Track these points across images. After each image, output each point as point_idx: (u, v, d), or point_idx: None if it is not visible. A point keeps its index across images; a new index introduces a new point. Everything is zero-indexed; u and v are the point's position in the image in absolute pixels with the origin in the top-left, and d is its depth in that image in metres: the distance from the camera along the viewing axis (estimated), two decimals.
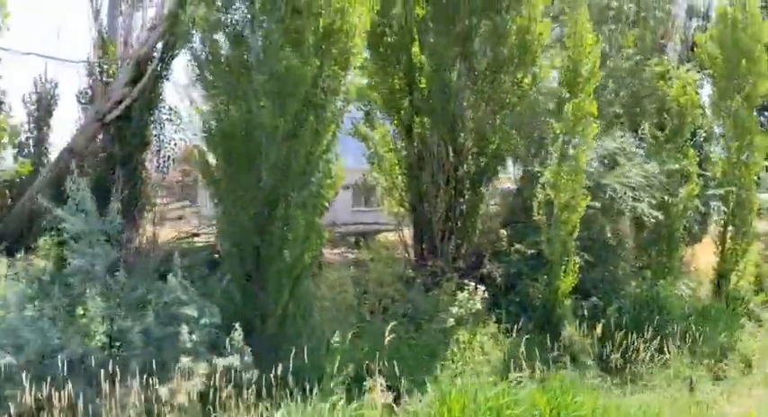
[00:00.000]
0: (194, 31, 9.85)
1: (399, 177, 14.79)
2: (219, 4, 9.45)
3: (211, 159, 10.28)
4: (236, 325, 8.11)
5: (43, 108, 11.63)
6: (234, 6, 9.56)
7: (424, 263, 13.87)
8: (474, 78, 13.84)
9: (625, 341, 11.91)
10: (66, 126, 13.17)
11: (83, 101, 12.13)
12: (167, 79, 11.55)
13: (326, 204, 10.05)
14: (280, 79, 9.23)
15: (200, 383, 7.28)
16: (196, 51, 9.79)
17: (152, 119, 11.65)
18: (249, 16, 9.43)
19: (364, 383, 9.01)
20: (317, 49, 9.39)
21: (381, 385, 9.03)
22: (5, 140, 10.17)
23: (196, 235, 14.20)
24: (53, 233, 11.30)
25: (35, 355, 6.91)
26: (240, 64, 9.54)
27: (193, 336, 7.72)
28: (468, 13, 13.38)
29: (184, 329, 7.62)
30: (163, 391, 7.00)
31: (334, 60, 9.63)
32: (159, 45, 11.30)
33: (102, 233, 8.09)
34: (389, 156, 14.82)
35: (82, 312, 7.65)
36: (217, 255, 12.02)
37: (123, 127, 11.34)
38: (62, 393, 6.62)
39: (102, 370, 6.94)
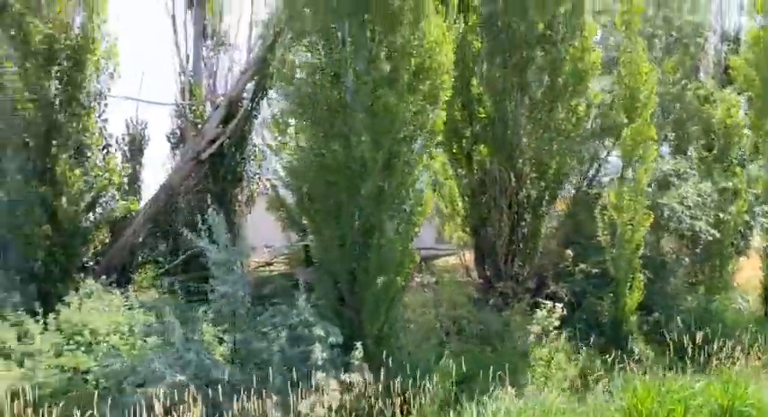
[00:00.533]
0: (286, 72, 10.67)
1: (460, 203, 15.47)
2: (320, 49, 10.21)
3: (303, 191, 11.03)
4: (358, 344, 8.73)
5: (136, 148, 12.37)
6: (330, 50, 10.31)
7: (489, 286, 14.49)
8: (531, 107, 14.57)
9: (695, 352, 12.40)
10: (153, 164, 13.92)
11: (172, 140, 12.92)
12: (256, 118, 12.33)
13: (417, 230, 10.72)
14: (376, 116, 9.97)
15: (335, 398, 7.87)
16: (291, 92, 10.57)
17: (243, 156, 12.42)
18: (346, 58, 10.16)
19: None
20: (410, 87, 10.15)
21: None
22: (115, 180, 10.90)
23: (269, 263, 14.86)
24: (153, 265, 12.10)
25: (194, 374, 7.53)
26: (337, 102, 10.28)
27: (324, 354, 8.34)
28: (524, 45, 14.14)
29: (317, 348, 8.25)
30: (303, 406, 7.60)
31: (424, 96, 10.38)
32: (249, 85, 12.06)
33: (234, 262, 8.76)
34: (449, 183, 15.52)
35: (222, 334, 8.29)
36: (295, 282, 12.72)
37: (216, 164, 12.09)
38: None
39: (242, 387, 7.59)
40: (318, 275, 11.07)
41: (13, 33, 10.43)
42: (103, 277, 10.74)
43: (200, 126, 12.52)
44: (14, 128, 10.50)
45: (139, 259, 12.20)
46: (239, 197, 12.74)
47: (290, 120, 11.68)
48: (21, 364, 8.83)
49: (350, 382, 8.36)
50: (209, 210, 8.97)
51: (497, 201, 14.59)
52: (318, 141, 10.36)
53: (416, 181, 10.53)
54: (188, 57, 12.57)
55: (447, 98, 10.54)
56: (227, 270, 8.43)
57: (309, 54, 10.57)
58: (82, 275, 10.66)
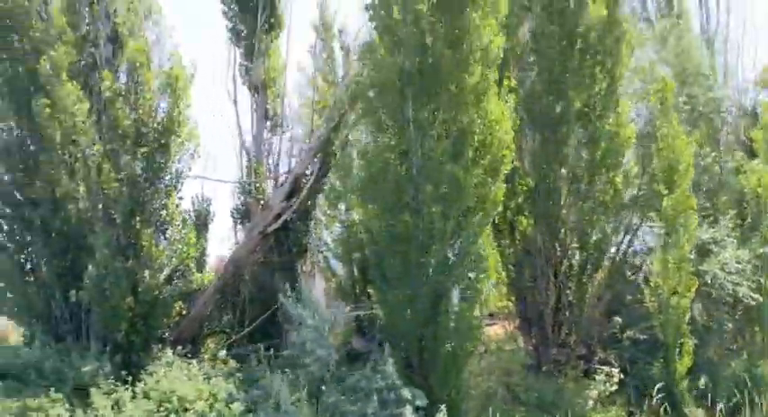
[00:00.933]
0: (350, 150, 11.45)
1: (504, 273, 15.94)
2: (386, 128, 10.99)
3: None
4: (442, 407, 9.07)
5: (201, 223, 12.98)
6: (397, 128, 11.07)
7: (537, 353, 14.81)
8: (571, 179, 15.27)
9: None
10: (215, 238, 14.55)
11: (236, 215, 13.59)
12: (320, 192, 13.03)
13: (482, 298, 11.19)
14: (444, 189, 10.65)
15: None
16: (357, 168, 11.31)
17: (308, 229, 13.06)
18: (412, 136, 10.90)
19: None
20: (473, 161, 10.86)
21: None
22: (192, 253, 11.47)
23: None
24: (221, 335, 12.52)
25: None
26: (404, 177, 10.97)
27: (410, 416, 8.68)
28: (563, 122, 14.96)
29: (408, 410, 8.59)
30: None
31: (485, 170, 11.07)
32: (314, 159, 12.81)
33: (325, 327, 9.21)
34: (493, 254, 16.03)
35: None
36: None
37: (281, 237, 12.70)
38: None
39: None
40: (385, 341, 11.46)
41: (103, 118, 11.30)
42: (178, 347, 11.16)
43: (262, 202, 13.20)
44: (102, 205, 11.22)
45: (205, 330, 12.62)
46: (303, 268, 13.30)
47: (348, 196, 12.39)
48: None
49: None
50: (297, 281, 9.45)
51: (543, 270, 15.09)
52: (386, 214, 10.96)
53: (480, 249, 11.05)
54: (244, 142, 13.39)
55: (507, 171, 11.22)
56: (320, 336, 8.87)
57: (375, 133, 11.36)
58: (159, 346, 11.07)
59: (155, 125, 11.00)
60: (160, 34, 11.39)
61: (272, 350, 11.98)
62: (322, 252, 14.69)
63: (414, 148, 10.95)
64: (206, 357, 11.72)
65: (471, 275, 11.06)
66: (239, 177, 13.69)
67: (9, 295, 11.35)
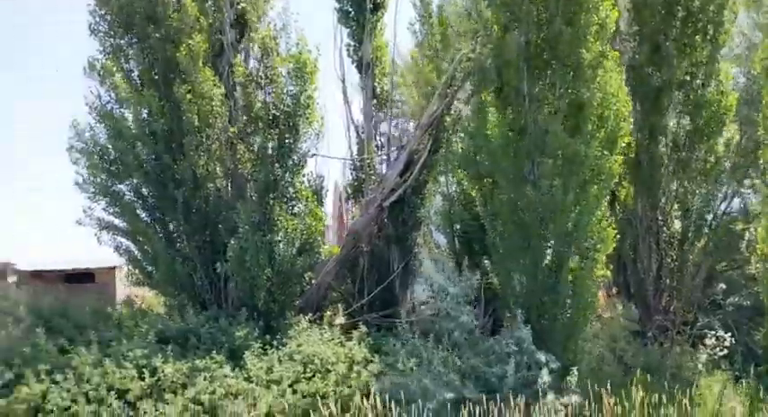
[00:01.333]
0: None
1: None
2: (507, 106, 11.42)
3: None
4: (574, 370, 9.63)
5: (317, 199, 13.64)
6: (514, 105, 11.49)
7: (640, 320, 15.15)
8: (673, 148, 15.41)
9: None
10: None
11: (349, 190, 14.27)
12: (433, 167, 13.57)
13: (600, 267, 11.61)
14: (565, 162, 11.05)
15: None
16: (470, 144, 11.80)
17: (422, 202, 13.65)
18: (532, 111, 11.30)
19: None
20: (591, 135, 11.20)
21: None
22: (319, 227, 12.20)
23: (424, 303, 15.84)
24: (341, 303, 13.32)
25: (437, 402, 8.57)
26: (524, 151, 11.40)
27: (548, 379, 9.27)
28: (666, 91, 15.04)
29: (545, 372, 9.18)
30: None
31: (601, 142, 11.39)
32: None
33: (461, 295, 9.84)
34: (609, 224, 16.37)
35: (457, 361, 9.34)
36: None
37: (396, 210, 13.32)
38: None
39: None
40: (503, 309, 12.04)
41: (233, 102, 12.05)
42: (307, 314, 11.97)
43: (373, 177, 13.83)
44: (238, 184, 12.05)
45: (327, 298, 13.42)
46: (418, 240, 13.94)
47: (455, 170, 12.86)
48: (267, 388, 10.03)
49: (568, 403, 9.21)
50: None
51: (644, 238, 15.37)
52: (507, 187, 11.44)
53: (601, 220, 11.44)
54: (352, 122, 14.02)
55: (624, 144, 11.52)
56: (462, 303, 9.50)
57: (492, 108, 11.79)
58: (291, 313, 11.89)
59: (284, 108, 11.66)
60: (287, 20, 11.99)
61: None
62: (428, 224, 15.25)
63: (531, 123, 11.36)
64: (328, 323, 12.46)
65: (588, 245, 11.46)
66: (348, 154, 14.31)
67: (152, 268, 12.33)
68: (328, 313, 13.46)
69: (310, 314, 11.99)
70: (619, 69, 12.04)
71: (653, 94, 15.11)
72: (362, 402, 8.99)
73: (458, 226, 14.96)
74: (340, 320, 13.23)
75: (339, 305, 13.81)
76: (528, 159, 11.40)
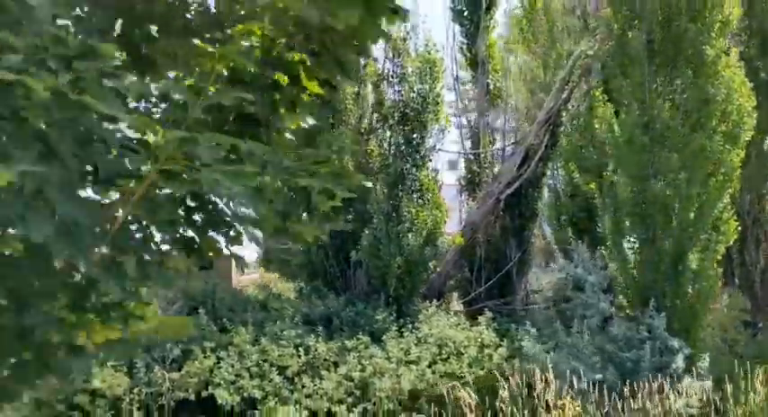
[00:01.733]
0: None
1: None
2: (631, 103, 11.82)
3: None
4: (705, 356, 10.06)
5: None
6: (638, 102, 11.88)
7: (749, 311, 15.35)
8: None
9: None
10: None
11: (463, 183, 14.91)
12: (550, 160, 14.09)
13: (719, 258, 11.93)
14: (689, 156, 11.41)
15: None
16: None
17: (539, 195, 14.20)
18: (656, 107, 11.67)
19: None
20: (714, 130, 11.52)
21: None
22: (444, 218, 12.91)
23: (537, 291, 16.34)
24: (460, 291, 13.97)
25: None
26: (649, 145, 11.78)
27: (682, 364, 9.74)
28: None
29: (679, 357, 9.67)
30: (679, 403, 9.00)
31: (723, 136, 11.68)
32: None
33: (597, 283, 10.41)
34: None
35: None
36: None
37: (513, 203, 13.90)
38: None
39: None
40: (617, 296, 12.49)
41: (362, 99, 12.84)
42: (434, 301, 12.70)
43: (487, 170, 14.44)
44: (368, 177, 12.81)
45: (448, 286, 14.13)
46: (534, 231, 14.50)
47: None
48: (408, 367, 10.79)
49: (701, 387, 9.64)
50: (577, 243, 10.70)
51: (752, 231, 15.52)
52: (633, 181, 11.85)
53: (722, 213, 11.77)
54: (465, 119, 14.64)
55: (748, 138, 11.79)
56: (598, 291, 10.05)
57: (611, 106, 12.22)
58: (418, 299, 12.64)
59: (414, 105, 12.36)
60: (415, 22, 12.66)
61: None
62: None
63: (656, 119, 11.73)
64: (451, 309, 13.15)
65: (710, 236, 11.79)
66: (461, 148, 14.95)
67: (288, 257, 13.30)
68: (453, 300, 14.16)
69: (436, 300, 12.70)
70: (739, 65, 12.26)
71: (764, 88, 15.21)
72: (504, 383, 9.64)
73: (564, 218, 15.42)
74: (459, 306, 13.89)
75: (455, 292, 14.46)
76: (652, 154, 11.78)
